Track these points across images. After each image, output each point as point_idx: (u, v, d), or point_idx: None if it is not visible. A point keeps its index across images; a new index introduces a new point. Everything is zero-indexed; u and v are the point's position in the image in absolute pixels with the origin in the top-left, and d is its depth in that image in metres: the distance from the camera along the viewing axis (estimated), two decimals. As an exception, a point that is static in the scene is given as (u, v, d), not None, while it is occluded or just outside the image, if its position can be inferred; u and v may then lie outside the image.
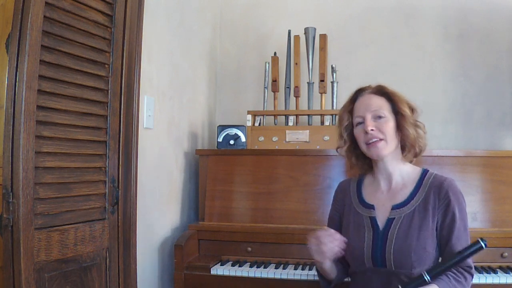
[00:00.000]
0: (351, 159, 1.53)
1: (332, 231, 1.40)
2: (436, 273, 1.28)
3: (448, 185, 1.40)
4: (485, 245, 1.25)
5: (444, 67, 2.64)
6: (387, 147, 1.41)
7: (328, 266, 1.46)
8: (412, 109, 1.45)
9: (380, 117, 1.42)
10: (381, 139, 1.40)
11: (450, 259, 1.29)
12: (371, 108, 1.43)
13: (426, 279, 1.26)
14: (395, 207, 1.42)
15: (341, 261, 1.54)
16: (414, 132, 1.42)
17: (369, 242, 1.41)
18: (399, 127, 1.43)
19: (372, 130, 1.40)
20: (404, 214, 1.40)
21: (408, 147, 1.44)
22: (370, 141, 1.41)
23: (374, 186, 1.51)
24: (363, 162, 1.53)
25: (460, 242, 1.35)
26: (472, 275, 1.37)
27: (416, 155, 1.48)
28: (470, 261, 1.36)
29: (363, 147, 1.45)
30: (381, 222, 1.42)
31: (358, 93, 1.50)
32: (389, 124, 1.42)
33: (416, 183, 1.45)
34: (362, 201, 1.50)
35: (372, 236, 1.41)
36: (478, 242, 1.26)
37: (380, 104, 1.44)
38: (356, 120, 1.46)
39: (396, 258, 1.36)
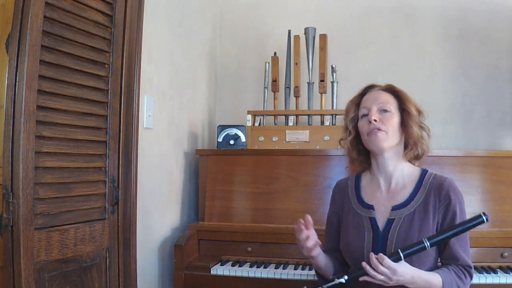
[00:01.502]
0: (352, 153, 1.53)
1: (302, 222, 1.41)
2: (436, 241, 1.30)
3: (449, 185, 1.40)
4: (487, 219, 1.27)
5: (444, 67, 2.64)
6: (387, 140, 1.41)
7: (322, 262, 1.47)
8: (419, 111, 1.46)
9: (385, 110, 1.43)
10: (382, 130, 1.41)
11: (452, 229, 1.31)
12: (377, 101, 1.45)
13: (426, 245, 1.28)
14: (395, 208, 1.42)
15: (340, 260, 1.54)
16: (418, 131, 1.43)
17: (369, 242, 1.41)
18: (404, 124, 1.44)
19: (375, 120, 1.41)
20: (404, 215, 1.40)
21: (410, 144, 1.45)
22: (372, 131, 1.41)
23: (373, 186, 1.51)
24: (363, 159, 1.53)
25: (459, 242, 1.35)
26: (471, 276, 1.37)
27: (417, 157, 1.49)
28: (470, 261, 1.37)
29: (365, 137, 1.45)
30: (381, 223, 1.42)
31: (368, 89, 1.52)
32: (394, 119, 1.43)
33: (416, 184, 1.45)
34: (361, 201, 1.50)
35: (372, 237, 1.41)
36: (480, 216, 1.28)
37: (387, 99, 1.46)
38: (362, 111, 1.47)
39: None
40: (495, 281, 1.73)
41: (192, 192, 2.46)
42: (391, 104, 1.45)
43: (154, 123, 2.00)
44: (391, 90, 1.48)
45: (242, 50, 2.90)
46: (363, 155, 1.52)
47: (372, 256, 1.27)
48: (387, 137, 1.41)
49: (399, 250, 1.28)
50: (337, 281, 1.31)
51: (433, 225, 1.38)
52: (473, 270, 1.38)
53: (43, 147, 1.36)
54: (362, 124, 1.46)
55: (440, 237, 1.30)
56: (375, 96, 1.47)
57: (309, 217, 1.41)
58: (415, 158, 1.49)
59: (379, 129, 1.41)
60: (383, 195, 1.47)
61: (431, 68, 2.66)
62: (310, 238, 1.41)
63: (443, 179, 1.43)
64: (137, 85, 1.75)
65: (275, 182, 2.17)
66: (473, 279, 1.70)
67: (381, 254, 1.27)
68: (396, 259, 1.27)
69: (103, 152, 1.60)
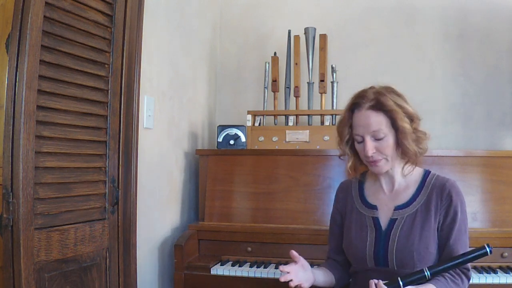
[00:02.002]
0: (355, 163, 1.51)
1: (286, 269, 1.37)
2: (437, 271, 1.28)
3: (451, 186, 1.40)
4: (491, 251, 1.26)
5: (444, 67, 2.64)
6: (388, 165, 1.42)
7: (320, 281, 1.46)
8: (412, 119, 1.40)
9: (379, 138, 1.38)
10: (381, 159, 1.40)
11: (453, 260, 1.29)
12: (370, 128, 1.38)
13: (426, 274, 1.26)
14: (398, 208, 1.43)
15: (342, 264, 1.55)
16: (414, 147, 1.39)
17: (371, 242, 1.41)
18: (399, 142, 1.39)
19: (373, 153, 1.39)
20: (407, 214, 1.40)
21: (409, 158, 1.43)
22: (372, 162, 1.41)
23: (376, 187, 1.52)
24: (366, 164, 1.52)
25: (459, 243, 1.35)
26: (468, 279, 1.37)
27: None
28: (469, 264, 1.36)
29: (365, 162, 1.45)
30: (383, 223, 1.43)
31: (355, 106, 1.43)
32: (389, 142, 1.38)
33: (418, 184, 1.45)
34: (365, 201, 1.51)
35: (374, 236, 1.41)
36: (484, 247, 1.26)
37: (379, 122, 1.38)
38: (356, 138, 1.43)
39: (398, 257, 1.36)
40: (495, 281, 1.73)
41: (192, 192, 2.46)
42: (383, 126, 1.38)
43: (154, 123, 2.00)
44: (379, 107, 1.38)
45: (242, 50, 2.90)
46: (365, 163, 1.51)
47: (372, 283, 1.25)
48: (388, 163, 1.41)
49: (399, 279, 1.26)
50: None
51: (435, 225, 1.38)
52: (470, 272, 1.37)
53: (43, 147, 1.36)
54: (359, 149, 1.44)
55: (442, 267, 1.28)
56: (366, 121, 1.38)
57: (294, 252, 1.42)
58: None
59: (377, 160, 1.40)
60: (386, 195, 1.48)
61: (431, 68, 2.66)
62: (294, 279, 1.36)
63: (445, 180, 1.43)
64: (137, 85, 1.75)
65: (275, 182, 2.17)
66: (473, 279, 1.71)
67: (380, 282, 1.24)
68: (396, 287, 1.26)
69: (103, 152, 1.60)
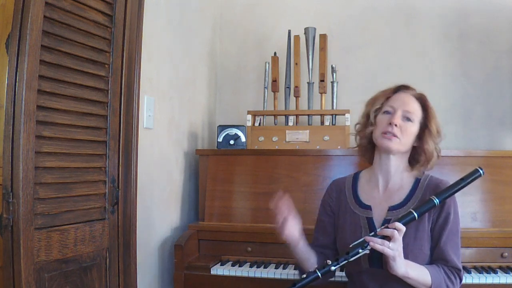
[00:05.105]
0: (362, 139, 1.53)
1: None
2: (444, 197, 1.36)
3: (444, 187, 1.41)
4: (483, 172, 1.39)
5: (444, 67, 2.64)
6: (398, 146, 1.42)
7: (303, 254, 1.47)
8: (438, 132, 1.47)
9: (409, 119, 1.43)
10: (397, 137, 1.41)
11: (454, 185, 1.37)
12: (406, 106, 1.44)
13: (435, 202, 1.34)
14: (392, 208, 1.43)
15: (329, 256, 1.51)
16: (434, 150, 1.44)
17: (366, 242, 1.41)
18: (422, 139, 1.44)
19: (396, 125, 1.41)
20: (401, 215, 1.40)
21: (422, 160, 1.45)
22: (388, 133, 1.41)
23: (371, 184, 1.52)
24: (370, 148, 1.53)
25: (450, 244, 1.36)
26: (461, 279, 1.37)
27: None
28: (460, 264, 1.37)
29: (378, 134, 1.45)
30: (378, 223, 1.43)
31: (402, 88, 1.51)
32: (413, 129, 1.43)
33: (412, 185, 1.46)
34: (359, 201, 1.51)
35: (369, 237, 1.41)
36: (477, 170, 1.38)
37: (416, 109, 1.45)
38: (387, 108, 1.46)
39: None
40: (495, 281, 1.73)
41: (192, 192, 2.46)
42: (417, 115, 1.45)
43: (154, 123, 2.00)
44: (422, 101, 1.48)
45: (242, 50, 2.90)
46: (371, 147, 1.52)
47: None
48: (400, 144, 1.42)
49: (412, 210, 1.33)
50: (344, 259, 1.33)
51: (428, 225, 1.39)
52: (462, 273, 1.38)
53: (43, 147, 1.36)
54: (381, 120, 1.45)
55: (447, 193, 1.36)
56: (406, 100, 1.46)
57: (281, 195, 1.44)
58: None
59: (394, 135, 1.41)
60: (380, 194, 1.48)
61: (431, 68, 2.66)
62: (288, 225, 1.43)
63: (438, 180, 1.45)
64: (137, 85, 1.75)
65: (275, 182, 2.17)
66: (473, 279, 1.72)
67: (395, 224, 1.30)
68: (410, 219, 1.33)
69: (103, 152, 1.60)
